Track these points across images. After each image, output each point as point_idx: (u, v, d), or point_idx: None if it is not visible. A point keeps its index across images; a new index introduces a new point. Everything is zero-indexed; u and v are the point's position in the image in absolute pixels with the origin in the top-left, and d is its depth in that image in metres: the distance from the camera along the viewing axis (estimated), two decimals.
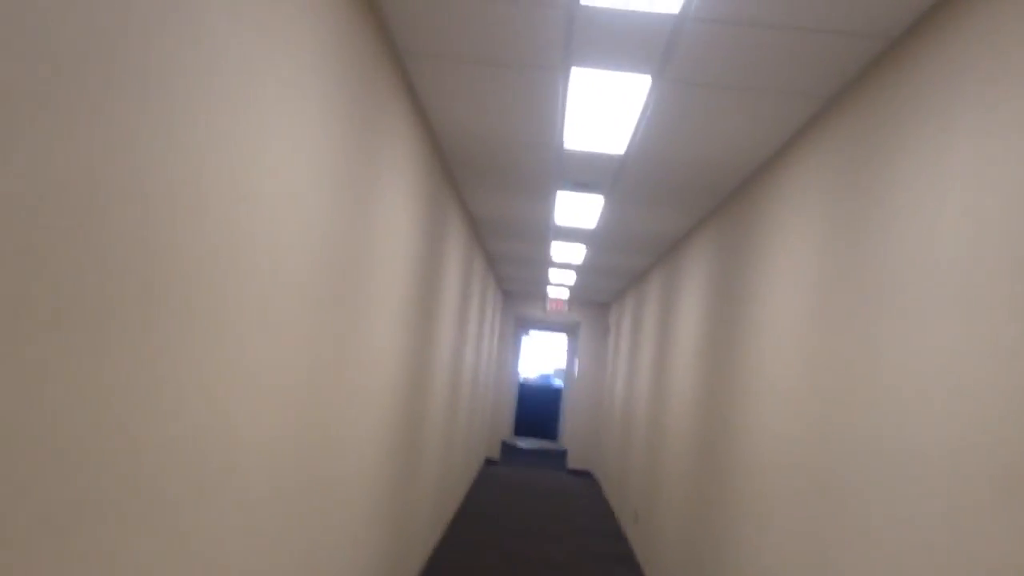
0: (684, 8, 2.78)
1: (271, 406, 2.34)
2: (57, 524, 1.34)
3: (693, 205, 5.77)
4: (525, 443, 15.94)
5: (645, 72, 3.37)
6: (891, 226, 2.70)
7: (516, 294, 14.48)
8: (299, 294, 2.49)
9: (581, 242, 8.02)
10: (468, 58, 3.44)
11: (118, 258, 1.44)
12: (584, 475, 13.72)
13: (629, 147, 4.48)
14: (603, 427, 12.98)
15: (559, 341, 18.66)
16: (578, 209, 6.35)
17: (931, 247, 2.39)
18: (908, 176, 2.61)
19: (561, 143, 4.57)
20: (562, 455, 15.11)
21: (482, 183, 5.90)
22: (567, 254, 8.86)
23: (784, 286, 3.87)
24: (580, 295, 13.58)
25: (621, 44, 3.13)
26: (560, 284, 12.09)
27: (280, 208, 2.23)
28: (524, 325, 14.98)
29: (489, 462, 13.78)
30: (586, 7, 2.87)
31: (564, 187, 5.68)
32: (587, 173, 5.22)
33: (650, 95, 3.64)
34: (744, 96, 3.51)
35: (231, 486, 2.08)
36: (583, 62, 3.34)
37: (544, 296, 14.37)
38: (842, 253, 3.13)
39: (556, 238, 7.97)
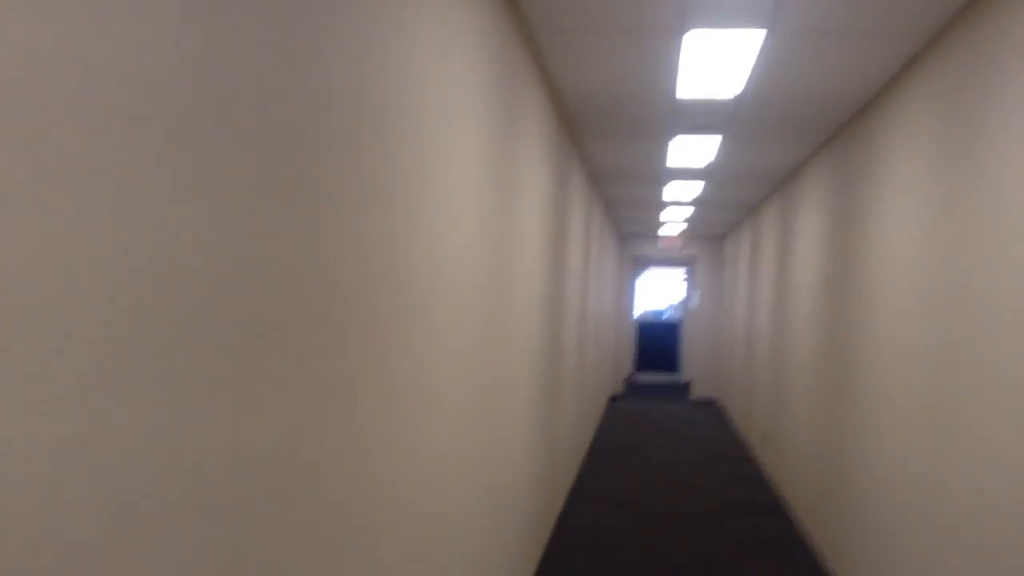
0: None
1: (458, 369, 2.85)
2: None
3: (807, 138, 6.04)
4: (646, 378, 16.40)
5: (760, 27, 3.72)
6: (994, 154, 3.01)
7: (631, 235, 14.84)
8: (471, 274, 2.99)
9: (699, 179, 8.34)
10: (592, 30, 3.85)
11: (373, 263, 1.94)
12: (708, 404, 14.10)
13: (743, 91, 4.82)
14: (725, 355, 13.30)
15: (673, 276, 18.95)
16: (695, 149, 6.68)
17: None
18: (1008, 106, 2.91)
19: (674, 94, 4.93)
20: (684, 387, 15.51)
21: (600, 136, 6.30)
22: (680, 192, 9.17)
23: (898, 209, 4.18)
24: (695, 230, 13.84)
25: (735, 3, 3.48)
26: (674, 221, 12.38)
27: (459, 203, 2.72)
28: (641, 263, 15.35)
29: (613, 398, 14.30)
30: None
31: (681, 131, 6.04)
32: (701, 117, 5.57)
33: (764, 45, 3.97)
34: (848, 39, 3.81)
35: (441, 413, 2.62)
36: (700, 23, 3.70)
37: (657, 235, 14.68)
38: (950, 178, 3.44)
39: (671, 179, 8.32)
